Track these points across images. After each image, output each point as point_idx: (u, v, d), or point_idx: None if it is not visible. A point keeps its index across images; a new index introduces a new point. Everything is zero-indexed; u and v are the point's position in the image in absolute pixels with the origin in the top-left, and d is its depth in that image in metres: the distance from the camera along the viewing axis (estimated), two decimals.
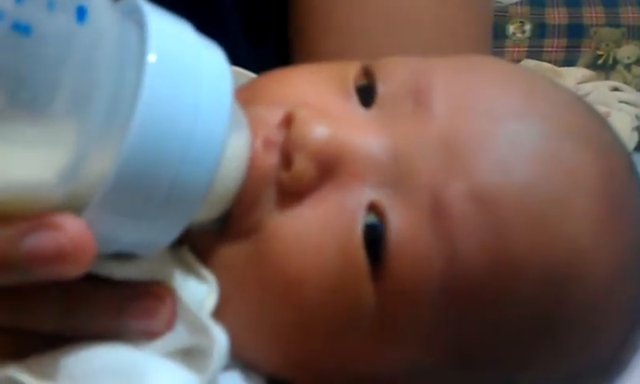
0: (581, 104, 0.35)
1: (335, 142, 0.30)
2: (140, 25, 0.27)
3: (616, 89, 1.92)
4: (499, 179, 0.29)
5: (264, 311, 0.30)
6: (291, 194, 0.30)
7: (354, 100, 0.32)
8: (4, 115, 0.24)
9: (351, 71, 0.33)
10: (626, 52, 1.96)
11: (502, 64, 0.36)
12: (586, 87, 1.91)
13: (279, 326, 0.31)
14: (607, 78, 1.98)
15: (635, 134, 1.84)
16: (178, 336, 0.29)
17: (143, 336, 0.28)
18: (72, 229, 0.25)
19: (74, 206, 0.26)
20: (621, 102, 1.86)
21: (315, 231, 0.30)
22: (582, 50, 1.94)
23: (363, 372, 0.32)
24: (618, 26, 1.94)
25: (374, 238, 0.29)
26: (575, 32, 1.93)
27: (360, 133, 0.30)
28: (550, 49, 1.93)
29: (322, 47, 0.44)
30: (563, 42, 1.94)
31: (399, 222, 0.29)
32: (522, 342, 0.31)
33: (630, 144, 1.82)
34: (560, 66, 1.91)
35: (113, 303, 0.28)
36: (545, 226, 0.30)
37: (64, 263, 0.25)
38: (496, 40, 1.89)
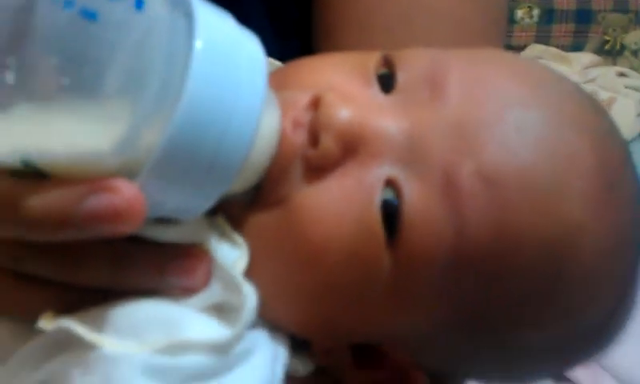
0: (583, 95, 0.37)
1: (357, 124, 0.33)
2: (187, 14, 0.30)
3: (622, 74, 1.93)
4: (504, 161, 0.32)
5: (289, 275, 0.33)
6: (317, 169, 0.33)
7: (375, 86, 0.35)
8: (70, 91, 0.27)
9: (372, 60, 0.36)
10: (634, 38, 1.97)
11: (513, 57, 0.38)
12: (593, 72, 1.93)
13: (302, 289, 0.34)
14: (614, 64, 1.99)
15: (639, 120, 1.86)
16: (212, 293, 0.32)
17: (182, 292, 0.32)
18: (127, 192, 0.28)
19: (128, 173, 0.29)
20: (627, 87, 1.88)
21: (338, 203, 0.32)
22: (590, 35, 1.96)
23: (378, 333, 0.35)
24: (626, 11, 1.95)
25: (391, 211, 0.32)
26: (583, 17, 1.95)
27: (380, 116, 0.33)
28: (557, 34, 1.95)
29: (344, 42, 0.46)
30: (571, 27, 1.95)
31: (413, 197, 0.32)
32: (522, 307, 0.34)
33: (635, 129, 1.84)
34: (567, 51, 1.93)
35: (156, 262, 0.31)
36: (544, 204, 0.32)
37: (118, 222, 0.28)
38: None
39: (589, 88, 1.89)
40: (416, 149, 0.33)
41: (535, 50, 1.92)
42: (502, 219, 0.32)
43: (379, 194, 0.33)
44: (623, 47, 1.97)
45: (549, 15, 1.94)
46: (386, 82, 0.35)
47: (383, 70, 0.36)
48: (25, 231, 0.29)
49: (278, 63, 0.41)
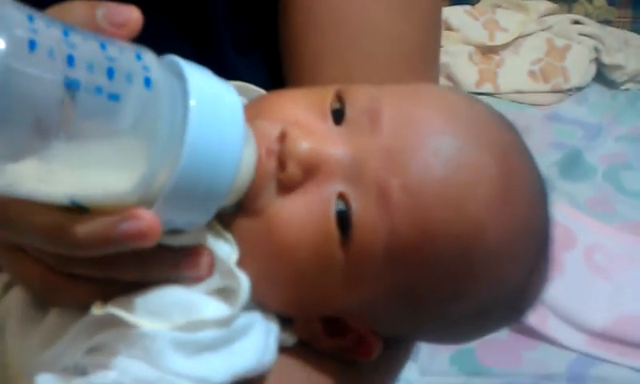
0: (491, 116, 0.47)
1: (315, 153, 0.43)
2: (180, 76, 0.40)
3: (577, 22, 2.03)
4: (424, 177, 0.43)
5: (268, 267, 0.43)
6: (286, 187, 0.43)
7: (330, 120, 0.45)
8: (102, 150, 0.37)
9: (329, 97, 0.46)
10: None
11: (436, 91, 0.49)
12: (549, 20, 2.02)
13: (278, 277, 0.44)
14: (570, 11, 2.08)
15: (593, 66, 1.96)
16: (215, 280, 0.42)
17: (193, 281, 0.42)
18: (147, 218, 0.38)
19: (146, 203, 0.39)
20: (581, 34, 1.98)
21: (303, 213, 0.43)
22: None
23: (339, 308, 0.46)
24: None
25: (343, 217, 0.43)
26: None
27: (332, 145, 0.44)
28: None
29: (303, 65, 0.56)
30: None
31: (358, 207, 0.43)
32: (444, 285, 0.45)
33: (588, 76, 1.95)
34: None
35: (172, 260, 0.41)
36: (454, 208, 0.43)
37: (143, 239, 0.38)
38: None
39: (545, 36, 1.98)
40: (358, 169, 0.43)
41: None
42: (422, 221, 0.43)
43: (334, 206, 0.43)
44: None
45: None
46: (338, 116, 0.45)
47: (336, 105, 0.46)
48: (74, 250, 0.39)
49: (258, 89, 0.51)
